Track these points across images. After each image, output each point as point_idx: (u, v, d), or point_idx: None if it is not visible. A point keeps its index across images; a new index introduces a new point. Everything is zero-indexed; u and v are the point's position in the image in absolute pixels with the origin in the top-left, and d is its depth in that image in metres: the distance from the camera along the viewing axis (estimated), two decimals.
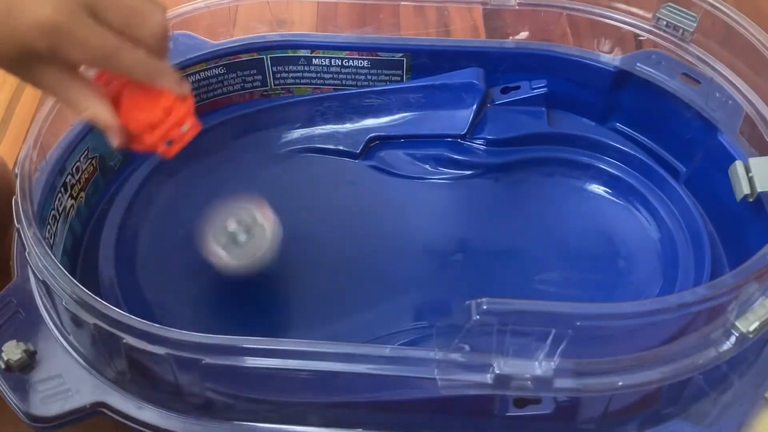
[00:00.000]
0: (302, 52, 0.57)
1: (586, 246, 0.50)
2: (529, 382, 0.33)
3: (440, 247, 0.50)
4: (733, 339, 0.34)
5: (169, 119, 0.38)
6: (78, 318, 0.37)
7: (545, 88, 0.56)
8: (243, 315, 0.46)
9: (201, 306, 0.47)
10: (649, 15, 0.52)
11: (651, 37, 0.52)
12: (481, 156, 0.55)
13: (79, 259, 0.49)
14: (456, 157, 0.55)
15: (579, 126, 0.56)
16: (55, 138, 0.47)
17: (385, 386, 0.36)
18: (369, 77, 0.57)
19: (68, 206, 0.48)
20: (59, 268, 0.37)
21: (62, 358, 0.39)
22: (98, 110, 0.36)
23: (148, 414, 0.37)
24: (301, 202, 0.52)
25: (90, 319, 0.36)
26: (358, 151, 0.55)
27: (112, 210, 0.50)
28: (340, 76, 0.58)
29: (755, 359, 0.38)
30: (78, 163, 0.49)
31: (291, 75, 0.58)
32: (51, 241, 0.45)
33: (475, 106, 0.55)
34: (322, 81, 0.58)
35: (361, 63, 0.57)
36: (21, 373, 0.38)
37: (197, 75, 0.56)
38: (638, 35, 0.53)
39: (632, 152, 0.53)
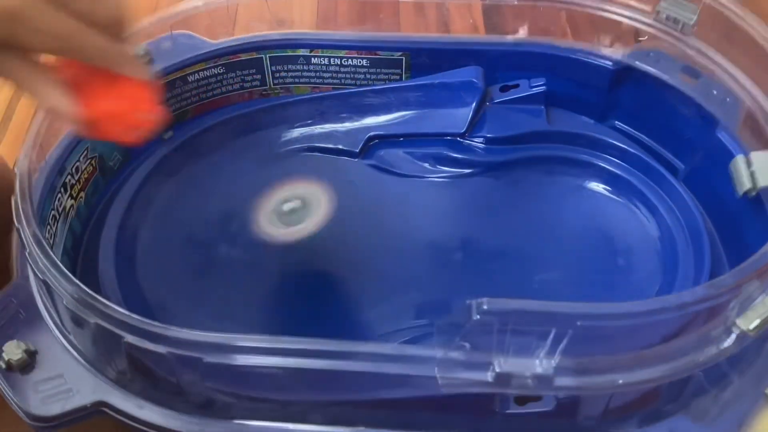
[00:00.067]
0: (301, 51, 0.57)
1: (586, 244, 0.50)
2: (529, 380, 0.33)
3: (440, 246, 0.50)
4: (733, 337, 0.34)
5: (130, 105, 0.37)
6: (79, 317, 0.37)
7: (544, 86, 0.55)
8: (243, 315, 0.47)
9: (201, 306, 0.47)
10: (648, 8, 0.52)
11: (651, 30, 0.51)
12: (480, 154, 0.55)
13: (79, 259, 0.49)
14: (455, 155, 0.55)
15: (578, 124, 0.56)
16: (54, 138, 0.47)
17: (385, 384, 0.36)
18: (368, 76, 0.57)
19: (68, 206, 0.48)
20: (60, 267, 0.37)
21: (63, 357, 0.39)
22: (57, 99, 0.36)
23: (149, 413, 0.37)
24: None
25: (91, 318, 0.36)
26: (357, 150, 0.55)
27: (112, 210, 0.50)
28: (339, 75, 0.58)
29: (755, 357, 0.38)
30: (77, 163, 0.49)
31: (290, 74, 0.58)
32: (51, 241, 0.45)
33: (474, 105, 0.55)
34: (321, 80, 0.58)
35: (360, 62, 0.57)
36: (22, 373, 0.38)
37: (196, 75, 0.56)
38: (638, 33, 0.53)
39: (631, 150, 0.53)
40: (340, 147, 0.56)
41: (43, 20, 0.33)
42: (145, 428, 0.37)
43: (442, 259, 0.50)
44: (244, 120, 0.56)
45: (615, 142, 0.54)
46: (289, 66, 0.57)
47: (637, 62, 0.53)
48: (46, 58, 0.36)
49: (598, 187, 0.54)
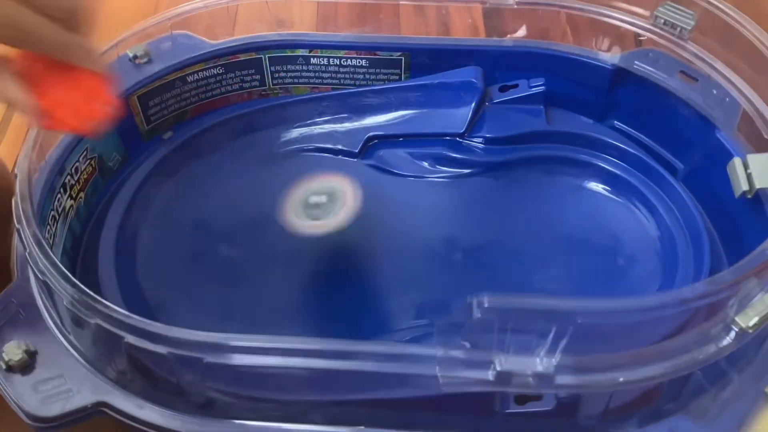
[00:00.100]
0: (300, 52, 0.57)
1: (585, 244, 0.50)
2: (530, 379, 0.33)
3: (440, 246, 0.50)
4: (732, 334, 0.34)
5: (84, 96, 0.37)
6: (79, 318, 0.37)
7: (543, 86, 0.56)
8: (243, 315, 0.47)
9: (201, 306, 0.47)
10: (647, 13, 0.52)
11: (649, 35, 0.52)
12: (479, 154, 0.55)
13: (78, 259, 0.49)
14: (455, 155, 0.55)
15: (577, 124, 0.56)
16: (54, 138, 0.47)
17: (386, 384, 0.36)
18: (367, 76, 0.57)
19: (67, 206, 0.48)
20: (60, 268, 0.37)
21: (63, 358, 0.39)
22: (12, 90, 0.36)
23: (150, 413, 0.37)
24: None
25: (91, 319, 0.36)
26: (356, 150, 0.56)
27: (112, 210, 0.50)
28: (339, 75, 0.58)
29: (755, 355, 0.38)
30: (77, 164, 0.49)
31: (289, 74, 0.58)
32: (51, 242, 0.45)
33: (473, 105, 0.55)
34: (320, 80, 0.58)
35: (359, 62, 0.57)
36: (22, 373, 0.38)
37: (196, 75, 0.56)
38: (638, 35, 0.53)
39: (631, 150, 0.53)
40: (340, 147, 0.56)
41: (1, 12, 0.33)
42: (145, 428, 0.37)
43: (442, 259, 0.50)
44: (244, 120, 0.56)
45: (614, 142, 0.54)
46: (288, 66, 0.57)
47: (636, 62, 0.53)
48: (2, 50, 0.36)
49: (597, 187, 0.54)
